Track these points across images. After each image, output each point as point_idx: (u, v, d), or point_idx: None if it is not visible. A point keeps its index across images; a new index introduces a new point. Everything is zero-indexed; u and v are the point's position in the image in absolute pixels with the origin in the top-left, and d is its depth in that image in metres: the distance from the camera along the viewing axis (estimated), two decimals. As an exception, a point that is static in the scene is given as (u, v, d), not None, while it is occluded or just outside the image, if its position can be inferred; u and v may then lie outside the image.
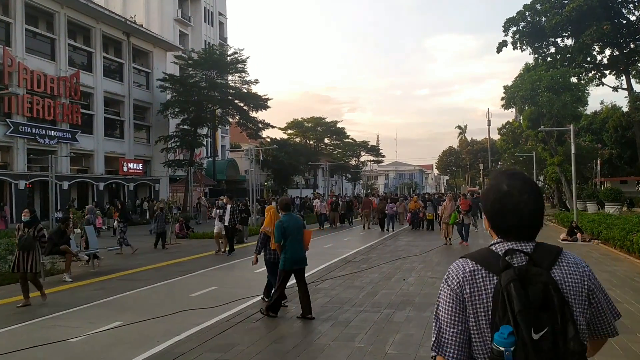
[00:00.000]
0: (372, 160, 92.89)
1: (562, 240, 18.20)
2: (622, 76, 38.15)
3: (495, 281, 1.63)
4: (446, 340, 1.67)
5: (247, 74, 44.76)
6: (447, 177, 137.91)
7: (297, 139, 74.51)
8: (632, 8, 35.76)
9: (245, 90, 44.74)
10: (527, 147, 44.09)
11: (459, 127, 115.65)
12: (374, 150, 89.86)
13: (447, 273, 1.77)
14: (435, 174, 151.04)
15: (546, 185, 50.18)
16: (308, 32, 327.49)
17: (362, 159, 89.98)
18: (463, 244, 17.25)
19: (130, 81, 40.90)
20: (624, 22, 36.64)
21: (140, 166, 40.92)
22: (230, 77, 45.20)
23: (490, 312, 1.61)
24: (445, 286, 1.74)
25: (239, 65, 43.72)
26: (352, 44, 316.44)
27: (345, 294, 9.11)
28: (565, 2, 35.32)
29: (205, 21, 59.88)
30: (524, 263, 1.65)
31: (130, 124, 40.81)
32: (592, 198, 33.18)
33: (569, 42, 38.05)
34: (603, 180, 45.93)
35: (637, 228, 14.82)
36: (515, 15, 36.59)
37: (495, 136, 70.65)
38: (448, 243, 17.47)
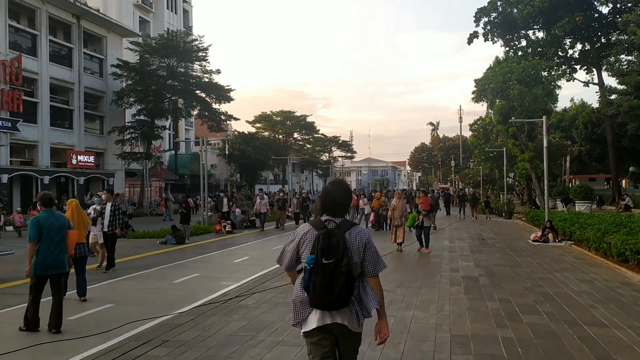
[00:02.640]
0: (343, 156, 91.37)
1: (533, 240, 16.76)
2: (593, 71, 37.25)
3: (316, 234, 3.24)
4: (284, 258, 3.41)
5: (209, 62, 42.69)
6: (419, 174, 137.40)
7: (266, 133, 72.51)
8: (604, 1, 34.77)
9: (207, 80, 42.53)
10: (497, 143, 43.03)
11: (432, 123, 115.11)
12: (346, 146, 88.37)
13: (296, 230, 3.43)
14: (408, 171, 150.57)
15: (516, 182, 49.30)
16: (282, 27, 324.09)
17: (333, 154, 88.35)
18: (423, 250, 14.19)
19: (81, 67, 38.22)
20: (596, 15, 35.68)
21: (91, 159, 38.31)
22: (191, 66, 42.93)
23: (310, 248, 3.22)
24: (294, 235, 3.38)
25: (200, 54, 41.50)
26: (326, 40, 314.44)
27: (268, 316, 7.30)
28: (538, -8, 34.15)
29: (168, 8, 57.30)
30: (333, 227, 3.25)
31: (80, 114, 38.14)
32: (561, 195, 32.14)
33: (540, 34, 36.99)
34: (572, 177, 45.28)
35: (613, 229, 13.42)
36: (486, 5, 35.29)
37: (467, 133, 69.87)
38: (399, 249, 14.39)
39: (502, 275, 10.42)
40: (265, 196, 23.91)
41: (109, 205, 11.86)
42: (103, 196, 12.60)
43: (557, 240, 16.44)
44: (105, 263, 11.81)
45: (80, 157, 37.13)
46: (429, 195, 18.12)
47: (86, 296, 8.53)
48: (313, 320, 3.25)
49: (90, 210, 12.47)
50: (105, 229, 11.75)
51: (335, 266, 3.11)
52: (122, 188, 42.39)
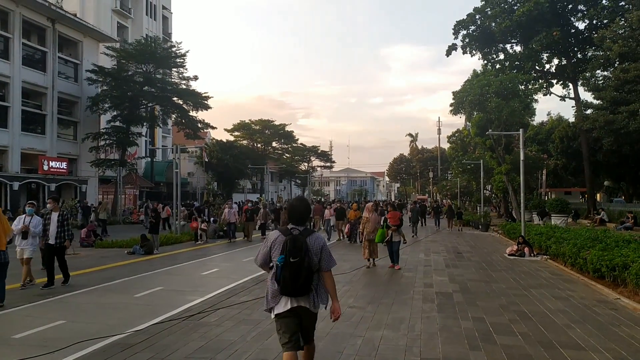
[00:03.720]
0: (322, 166, 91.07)
1: (509, 255, 16.57)
2: (569, 85, 37.66)
3: (284, 239, 4.25)
4: (259, 257, 4.42)
5: (187, 69, 42.14)
6: (398, 185, 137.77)
7: (244, 142, 71.92)
8: (581, 16, 35.23)
9: (185, 87, 41.95)
10: (475, 155, 43.17)
11: (410, 135, 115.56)
12: (325, 156, 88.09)
13: (268, 236, 4.52)
14: (387, 181, 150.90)
15: (493, 195, 49.50)
16: (262, 36, 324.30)
17: (312, 164, 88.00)
18: (394, 267, 13.34)
19: (55, 72, 37.41)
20: (573, 30, 36.11)
21: (64, 165, 37.37)
22: (169, 73, 42.32)
23: (280, 250, 4.21)
24: (267, 240, 4.40)
25: (178, 60, 40.96)
26: (308, 50, 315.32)
27: (229, 335, 6.87)
28: (515, 7, 34.46)
29: (147, 14, 56.66)
30: (297, 233, 4.28)
31: (53, 119, 37.30)
32: (538, 208, 32.25)
33: (517, 48, 37.29)
34: (548, 190, 45.61)
35: (589, 244, 13.26)
36: (465, 17, 35.48)
37: (446, 145, 70.22)
38: (371, 264, 13.69)
39: (476, 291, 10.12)
40: (235, 205, 23.16)
41: (54, 215, 10.68)
42: (49, 205, 11.08)
43: (532, 254, 16.28)
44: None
45: (52, 163, 36.22)
46: (411, 207, 17.79)
47: (4, 302, 8.64)
48: (282, 305, 4.34)
49: (17, 221, 10.62)
50: (52, 241, 10.55)
51: (300, 263, 4.23)
52: (96, 195, 41.48)
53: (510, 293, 9.94)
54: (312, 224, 25.11)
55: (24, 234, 10.30)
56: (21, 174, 34.31)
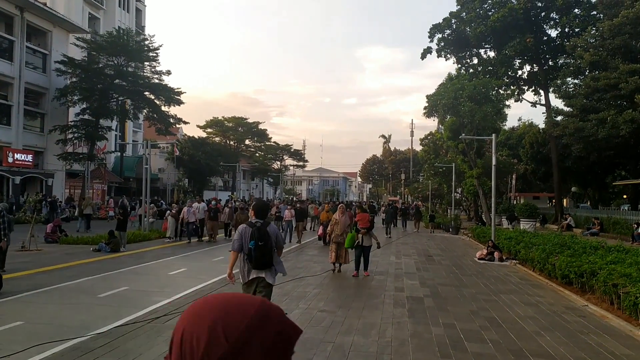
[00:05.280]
0: (294, 165, 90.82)
1: (479, 259, 16.68)
2: (540, 92, 38.25)
3: (251, 230, 6.14)
4: (235, 245, 6.25)
5: (159, 63, 41.42)
6: (370, 186, 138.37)
7: (217, 139, 71.13)
8: (553, 24, 35.83)
9: (157, 81, 41.21)
10: (447, 159, 43.55)
11: (383, 136, 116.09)
12: (297, 155, 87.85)
13: (239, 229, 6.33)
14: (359, 182, 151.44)
15: (464, 198, 50.05)
16: (237, 34, 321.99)
17: (285, 163, 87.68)
18: (360, 275, 12.32)
19: (22, 62, 36.29)
20: (545, 38, 36.70)
21: (29, 157, 36.30)
22: (141, 66, 41.53)
23: (249, 238, 6.10)
24: (239, 232, 6.23)
25: (151, 54, 40.21)
26: (282, 48, 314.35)
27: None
28: (490, 13, 34.85)
29: (120, 6, 55.50)
30: (260, 225, 6.19)
31: (19, 110, 36.18)
32: (507, 213, 32.67)
33: (491, 54, 37.72)
34: (517, 195, 46.31)
35: (557, 250, 13.41)
36: (441, 21, 35.71)
37: (418, 147, 70.76)
38: (337, 269, 12.88)
39: (447, 296, 10.10)
40: (197, 204, 21.85)
41: None
42: None
43: (502, 259, 16.41)
44: None
45: (17, 156, 35.15)
46: (385, 208, 17.37)
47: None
48: (250, 276, 6.23)
49: None
50: None
51: (265, 245, 6.12)
52: (62, 189, 40.47)
53: (481, 298, 9.95)
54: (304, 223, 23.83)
55: None
56: (-17, 165, 33.21)
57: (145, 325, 7.28)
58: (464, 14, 35.33)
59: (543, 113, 37.84)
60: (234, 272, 6.43)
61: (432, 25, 36.09)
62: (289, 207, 24.05)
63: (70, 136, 38.32)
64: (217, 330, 0.86)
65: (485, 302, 9.54)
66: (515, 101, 39.61)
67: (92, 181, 41.31)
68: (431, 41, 36.94)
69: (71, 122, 39.27)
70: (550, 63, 37.36)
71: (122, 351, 6.09)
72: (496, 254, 16.53)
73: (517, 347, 6.62)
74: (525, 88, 39.17)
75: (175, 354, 0.88)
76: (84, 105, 38.54)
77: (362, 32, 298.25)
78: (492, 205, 19.77)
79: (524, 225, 28.99)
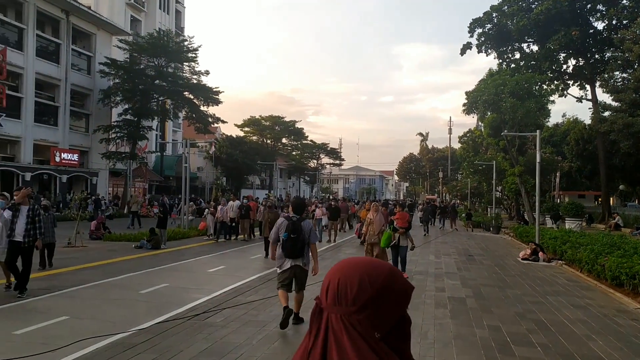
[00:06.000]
0: (331, 164, 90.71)
1: (522, 259, 16.19)
2: (586, 87, 37.01)
3: (287, 223, 7.03)
4: (272, 235, 7.24)
5: (198, 64, 41.98)
6: (407, 184, 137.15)
7: (254, 138, 71.63)
8: (600, 16, 34.58)
9: (196, 81, 41.84)
10: (487, 156, 42.65)
11: (421, 134, 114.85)
12: (334, 153, 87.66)
13: (277, 222, 7.40)
14: (396, 180, 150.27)
15: (504, 196, 48.94)
16: (274, 33, 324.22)
17: (321, 161, 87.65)
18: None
19: (68, 64, 37.37)
20: (591, 30, 35.46)
21: (75, 157, 37.39)
22: (180, 67, 42.23)
23: (284, 230, 6.96)
24: (277, 225, 7.20)
25: (190, 54, 40.83)
26: (319, 47, 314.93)
27: (235, 337, 6.61)
28: (533, 6, 33.90)
29: (160, 8, 56.57)
30: (295, 219, 7.06)
31: (66, 111, 37.26)
32: (551, 211, 31.72)
33: (534, 48, 36.69)
34: (561, 193, 44.97)
35: (606, 250, 12.87)
36: (482, 15, 34.95)
37: (456, 145, 69.66)
38: None
39: (491, 297, 9.79)
40: (230, 203, 21.60)
41: (24, 209, 9.02)
42: (17, 197, 9.23)
43: (548, 259, 15.88)
44: (12, 281, 9.20)
45: (64, 155, 36.28)
46: (423, 206, 16.89)
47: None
48: (286, 265, 7.02)
49: None
50: (19, 239, 8.84)
51: (297, 238, 6.92)
52: (106, 187, 41.51)
53: (526, 300, 9.60)
54: (340, 220, 24.89)
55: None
56: (33, 165, 34.32)
57: (185, 322, 7.29)
58: (506, 7, 34.48)
59: (589, 108, 36.60)
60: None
61: (472, 19, 35.41)
62: (320, 205, 23.82)
63: (113, 136, 39.28)
64: (365, 280, 1.15)
65: (532, 304, 9.19)
66: (560, 96, 38.47)
67: (134, 180, 42.21)
68: (471, 36, 36.23)
69: (114, 122, 40.25)
70: (596, 56, 36.10)
71: (162, 348, 6.10)
72: (541, 254, 16.02)
73: (568, 351, 6.32)
74: (570, 83, 37.97)
75: (332, 295, 1.16)
76: (126, 106, 39.45)
77: (399, 29, 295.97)
78: (536, 203, 19.19)
79: (569, 224, 28.08)
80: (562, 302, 9.52)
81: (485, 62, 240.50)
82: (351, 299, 1.14)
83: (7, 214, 8.95)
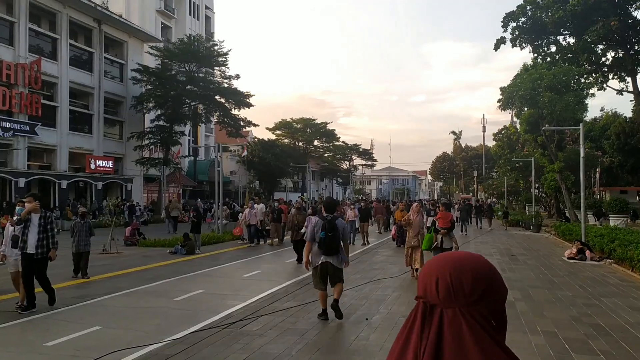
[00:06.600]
0: (363, 165, 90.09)
1: (568, 258, 15.47)
2: (626, 79, 35.59)
3: (322, 222, 7.45)
4: (308, 235, 7.71)
5: (228, 68, 42.14)
6: (440, 184, 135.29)
7: (286, 140, 71.69)
8: (639, 6, 33.19)
9: (227, 85, 42.01)
10: (523, 153, 41.48)
11: (454, 132, 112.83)
12: (366, 154, 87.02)
13: (311, 220, 8.36)
14: (429, 180, 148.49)
15: (543, 194, 47.56)
16: (304, 35, 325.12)
17: (353, 163, 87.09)
18: None
19: (101, 72, 37.96)
20: (630, 21, 34.07)
21: (110, 164, 37.95)
22: (211, 72, 42.50)
23: (320, 228, 7.39)
24: (311, 223, 7.78)
25: (220, 59, 41.04)
26: (348, 49, 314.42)
27: (273, 347, 6.29)
28: (569, -4, 32.76)
29: (190, 14, 57.16)
30: (330, 218, 7.51)
31: (100, 118, 37.86)
32: (593, 208, 30.54)
33: (571, 40, 35.46)
34: (602, 189, 43.40)
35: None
36: (515, 9, 33.95)
37: (490, 143, 68.26)
38: (413, 275, 11.46)
39: (541, 300, 9.23)
40: (257, 206, 21.20)
41: (35, 218, 8.32)
42: (27, 204, 8.46)
43: (597, 258, 15.12)
44: (24, 301, 8.31)
45: (99, 162, 36.83)
46: (459, 206, 16.29)
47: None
48: (318, 260, 7.46)
49: (6, 227, 8.90)
50: (31, 251, 8.18)
51: (334, 236, 7.37)
52: (141, 194, 41.98)
53: (580, 302, 9.01)
54: (376, 223, 27.34)
55: (14, 242, 8.51)
56: (69, 172, 34.93)
57: (221, 331, 7.02)
58: (540, -1, 33.42)
59: (631, 101, 35.19)
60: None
61: (506, 13, 34.39)
62: (352, 206, 23.24)
63: (146, 142, 39.71)
64: (476, 272, 1.18)
65: (586, 307, 8.60)
66: (599, 89, 37.08)
67: (168, 185, 42.60)
68: (505, 31, 35.22)
69: (147, 128, 40.70)
70: (636, 47, 34.67)
71: (198, 359, 5.83)
72: (588, 253, 15.27)
73: (633, 358, 5.79)
74: (610, 75, 36.59)
75: (446, 289, 1.16)
76: (159, 112, 39.84)
77: (428, 28, 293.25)
78: (581, 200, 18.39)
79: (614, 221, 26.99)
80: (619, 304, 8.90)
81: (517, 58, 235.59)
82: (468, 292, 1.16)
83: (17, 229, 8.44)
